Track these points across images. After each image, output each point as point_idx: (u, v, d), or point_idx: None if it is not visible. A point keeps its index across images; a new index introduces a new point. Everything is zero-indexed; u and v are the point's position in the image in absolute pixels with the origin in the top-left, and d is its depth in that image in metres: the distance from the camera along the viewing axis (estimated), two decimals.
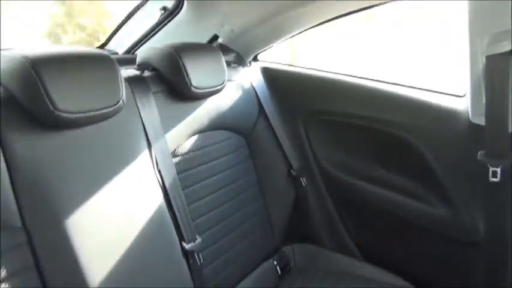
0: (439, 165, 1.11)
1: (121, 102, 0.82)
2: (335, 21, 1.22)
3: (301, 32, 1.28)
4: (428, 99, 1.14)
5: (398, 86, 1.20)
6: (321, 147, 1.35)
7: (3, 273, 0.68)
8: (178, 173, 0.99)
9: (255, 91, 1.29)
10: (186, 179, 1.03)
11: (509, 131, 0.94)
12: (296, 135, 1.36)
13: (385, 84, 1.22)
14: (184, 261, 0.95)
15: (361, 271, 1.26)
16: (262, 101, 1.30)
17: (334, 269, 1.29)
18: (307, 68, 1.36)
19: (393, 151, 1.23)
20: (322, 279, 1.22)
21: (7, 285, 0.68)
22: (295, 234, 1.39)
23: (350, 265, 1.29)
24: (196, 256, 0.98)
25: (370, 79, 1.25)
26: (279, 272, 1.28)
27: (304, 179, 1.34)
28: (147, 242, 0.87)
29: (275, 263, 1.28)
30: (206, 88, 1.05)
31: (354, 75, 1.28)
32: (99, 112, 0.79)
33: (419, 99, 1.16)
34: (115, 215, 0.83)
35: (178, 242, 0.94)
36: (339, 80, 1.28)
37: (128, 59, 1.25)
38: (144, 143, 0.93)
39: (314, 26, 1.25)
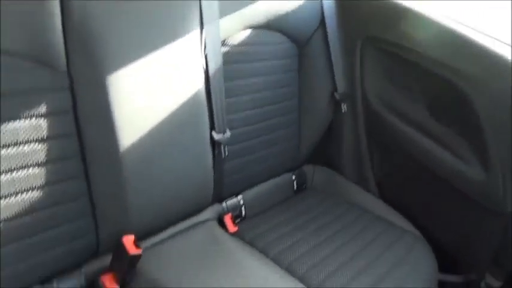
0: (491, 128, 1.04)
1: None
2: None
3: None
4: (505, 54, 1.03)
5: (472, 31, 1.07)
6: (372, 78, 1.27)
7: (43, 109, 0.71)
8: (223, 64, 0.97)
9: (321, 2, 1.21)
10: (229, 72, 1.01)
11: None
12: (350, 59, 1.28)
13: (459, 25, 1.09)
14: (210, 150, 0.97)
15: (374, 208, 1.27)
16: (325, 14, 1.21)
17: (349, 198, 1.30)
18: None
19: (446, 100, 1.14)
20: (334, 205, 1.24)
21: (42, 121, 0.71)
22: (319, 157, 1.38)
23: (365, 200, 1.30)
24: (222, 148, 1.00)
25: (443, 17, 1.12)
26: (295, 187, 1.31)
27: (345, 106, 1.30)
28: (181, 121, 0.88)
29: (293, 177, 1.30)
30: None
31: (427, 8, 1.14)
32: None
33: (495, 53, 1.04)
34: (155, 86, 0.83)
35: (208, 129, 0.95)
36: (410, 10, 1.16)
37: None
38: (197, 24, 0.89)
39: None
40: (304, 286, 0.90)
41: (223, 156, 1.00)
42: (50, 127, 0.72)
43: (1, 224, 0.68)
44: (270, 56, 1.11)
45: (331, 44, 1.23)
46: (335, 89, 1.28)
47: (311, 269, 0.96)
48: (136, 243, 0.81)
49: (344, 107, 1.30)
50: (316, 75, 1.25)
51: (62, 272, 0.79)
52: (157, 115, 0.84)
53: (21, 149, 0.69)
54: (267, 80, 1.12)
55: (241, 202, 1.13)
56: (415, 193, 1.25)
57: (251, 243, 1.04)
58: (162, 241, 0.92)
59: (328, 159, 1.40)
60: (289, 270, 0.96)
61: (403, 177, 1.28)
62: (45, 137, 0.71)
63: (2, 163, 0.67)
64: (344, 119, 1.33)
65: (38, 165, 0.71)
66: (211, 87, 0.94)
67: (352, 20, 1.26)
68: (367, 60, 1.27)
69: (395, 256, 1.03)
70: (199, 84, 0.91)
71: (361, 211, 1.22)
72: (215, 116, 0.96)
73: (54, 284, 0.77)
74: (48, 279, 0.77)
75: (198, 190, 0.97)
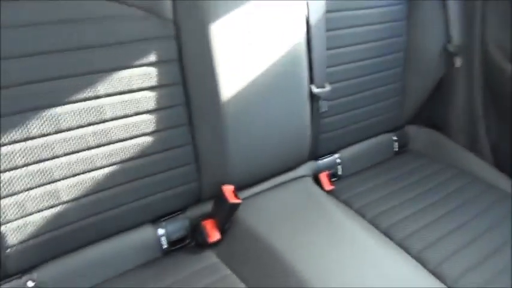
0: None
1: None
2: None
3: None
4: None
5: None
6: (494, 27, 1.10)
7: (153, 58, 0.74)
8: (325, 12, 0.91)
9: None
10: (332, 21, 0.95)
11: None
12: (469, 7, 1.12)
13: None
14: (308, 104, 0.93)
15: (486, 176, 1.13)
16: None
17: (456, 164, 1.17)
18: None
19: None
20: (439, 170, 1.13)
21: (152, 70, 0.74)
22: (425, 117, 1.27)
23: (477, 166, 1.16)
24: (320, 103, 0.96)
25: None
26: (396, 149, 1.22)
27: (459, 59, 1.15)
28: (280, 72, 0.85)
29: (394, 138, 1.22)
30: None
31: None
32: None
33: None
34: (256, 36, 0.81)
35: (307, 83, 0.92)
36: None
37: None
38: None
39: None
40: (403, 251, 0.85)
41: (321, 111, 0.97)
42: (159, 75, 0.75)
43: (118, 165, 0.74)
44: (375, 2, 1.02)
45: None
46: (448, 40, 1.14)
47: (410, 235, 0.90)
48: (235, 192, 0.83)
49: (458, 61, 1.15)
50: (427, 24, 1.13)
51: (169, 214, 0.84)
52: (258, 65, 0.82)
53: (135, 96, 0.73)
54: (371, 30, 1.04)
55: (338, 161, 1.09)
56: None
57: (346, 203, 1.01)
58: (259, 193, 0.93)
59: (435, 120, 1.27)
60: (387, 235, 0.91)
61: None
62: (154, 85, 0.75)
63: (117, 109, 0.72)
64: (457, 75, 1.19)
65: (149, 112, 0.75)
66: (312, 37, 0.90)
67: None
68: (491, 10, 1.09)
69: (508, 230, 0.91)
70: (300, 34, 0.87)
71: (471, 179, 1.10)
72: (314, 69, 0.92)
73: (163, 224, 0.83)
74: (157, 220, 0.83)
75: (295, 145, 0.95)
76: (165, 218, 0.84)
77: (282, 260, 0.76)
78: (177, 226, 0.84)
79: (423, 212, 0.97)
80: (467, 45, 1.14)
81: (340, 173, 1.10)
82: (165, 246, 0.83)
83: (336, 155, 1.09)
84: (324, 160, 1.07)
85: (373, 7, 1.01)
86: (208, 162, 0.84)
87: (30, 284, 0.70)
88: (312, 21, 0.88)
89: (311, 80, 0.93)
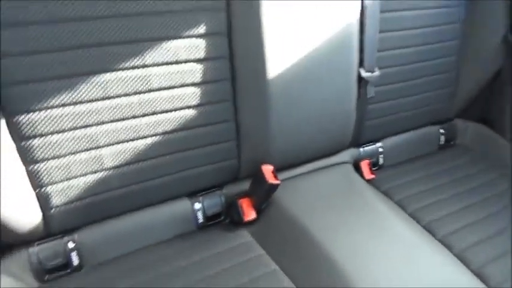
0: None
1: None
2: None
3: None
4: None
5: None
6: None
7: (202, 29, 0.72)
8: None
9: None
10: (388, 3, 0.90)
11: None
12: None
13: None
14: (355, 88, 0.90)
15: None
16: None
17: (506, 163, 1.10)
18: None
19: None
20: (487, 168, 1.07)
21: (200, 42, 0.73)
22: (475, 111, 1.20)
23: None
24: (367, 88, 0.92)
25: None
26: (442, 142, 1.17)
27: None
28: (329, 52, 0.82)
29: (442, 131, 1.16)
30: None
31: None
32: None
33: None
34: (307, 14, 0.78)
35: (357, 66, 0.88)
36: None
37: None
38: None
39: None
40: (445, 249, 0.82)
41: (367, 96, 0.93)
42: (206, 48, 0.74)
43: (161, 136, 0.74)
44: None
45: None
46: (510, 30, 1.06)
47: (453, 233, 0.85)
48: (275, 173, 0.82)
49: None
50: (487, 11, 1.05)
51: (207, 189, 0.84)
52: (307, 44, 0.79)
53: (181, 68, 0.72)
54: (427, 15, 0.98)
55: (380, 150, 1.05)
56: None
57: (386, 194, 0.97)
58: (298, 176, 0.91)
59: (487, 115, 1.20)
60: (428, 230, 0.87)
61: None
62: (201, 58, 0.74)
63: (163, 80, 0.71)
64: None
65: (194, 85, 0.75)
66: (366, 18, 0.85)
67: None
68: None
69: None
70: (353, 14, 0.83)
71: None
72: (365, 52, 0.88)
73: (200, 199, 0.83)
74: (194, 194, 0.83)
75: (338, 129, 0.92)
76: (202, 193, 0.84)
77: (316, 244, 0.74)
78: (213, 202, 0.84)
79: (466, 211, 0.92)
80: None
81: (381, 162, 1.06)
82: (200, 220, 0.83)
83: (379, 144, 1.05)
84: (366, 148, 1.03)
85: None
86: (250, 140, 0.83)
87: (70, 244, 0.72)
88: (367, 1, 0.84)
89: (361, 64, 0.89)
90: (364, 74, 0.89)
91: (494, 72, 1.12)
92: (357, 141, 1.00)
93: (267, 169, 0.82)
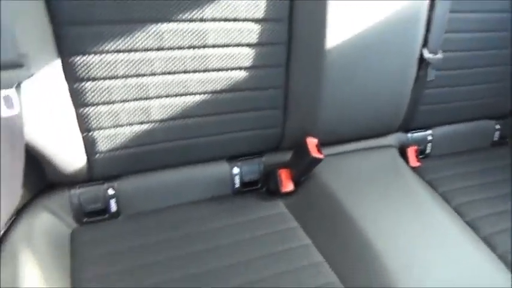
0: None
1: None
2: None
3: None
4: None
5: None
6: None
7: None
8: None
9: None
10: None
11: None
12: None
13: None
14: (414, 70, 0.85)
15: None
16: None
17: None
18: None
19: None
20: None
21: (261, 1, 0.70)
22: None
23: None
24: (428, 70, 0.86)
25: None
26: (496, 138, 1.10)
27: None
28: (393, 28, 0.77)
29: (497, 127, 1.09)
30: None
31: None
32: None
33: None
34: None
35: (420, 45, 0.82)
36: None
37: None
38: None
39: None
40: (488, 248, 0.77)
41: (427, 79, 0.87)
42: (267, 8, 0.70)
43: (209, 94, 0.73)
44: None
45: None
46: None
47: (497, 234, 0.80)
48: (319, 147, 0.79)
49: None
50: None
51: (247, 155, 0.83)
52: (371, 15, 0.74)
53: (238, 26, 0.70)
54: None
55: (430, 138, 1.00)
56: None
57: (431, 185, 0.93)
58: (341, 153, 0.88)
59: None
60: (471, 227, 0.83)
61: None
62: (259, 18, 0.70)
63: (219, 36, 0.69)
64: None
65: (249, 45, 0.72)
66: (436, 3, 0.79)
67: None
68: None
69: None
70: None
71: None
72: (432, 31, 0.82)
73: (239, 164, 0.82)
74: (234, 158, 0.82)
75: (390, 111, 0.87)
76: (242, 158, 0.82)
77: (352, 224, 0.72)
78: (252, 168, 0.83)
79: None
80: None
81: (428, 151, 1.01)
82: (237, 185, 0.82)
83: (429, 131, 1.00)
84: (415, 134, 0.98)
85: None
86: (297, 110, 0.80)
87: (111, 191, 0.73)
88: None
89: (424, 43, 0.83)
90: (427, 55, 0.83)
91: None
92: (407, 126, 0.95)
93: (312, 142, 0.79)
